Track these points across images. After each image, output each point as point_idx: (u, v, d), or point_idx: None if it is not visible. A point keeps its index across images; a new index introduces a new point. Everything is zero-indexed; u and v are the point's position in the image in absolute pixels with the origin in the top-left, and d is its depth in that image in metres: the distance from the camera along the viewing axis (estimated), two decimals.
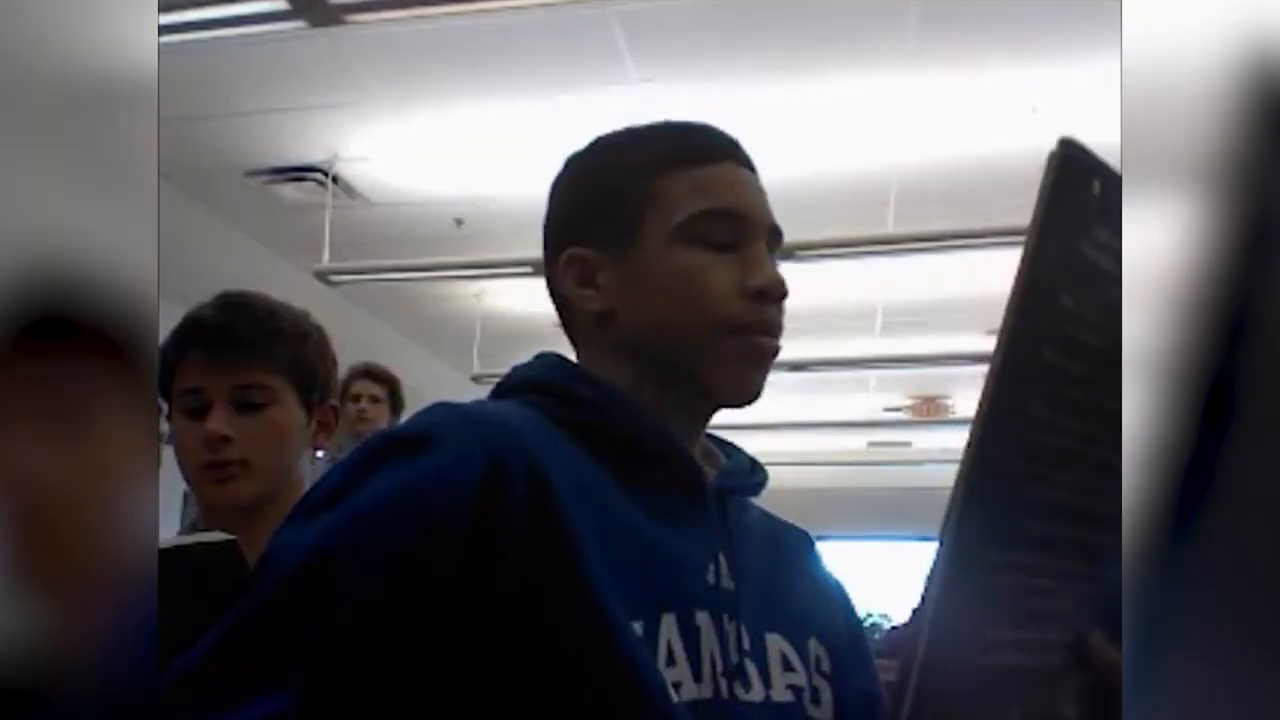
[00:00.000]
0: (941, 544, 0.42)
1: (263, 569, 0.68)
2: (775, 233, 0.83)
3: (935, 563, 0.43)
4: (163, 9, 3.29)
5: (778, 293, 0.79)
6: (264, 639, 0.65)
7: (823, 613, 0.86)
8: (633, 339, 0.80)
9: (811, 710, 0.78)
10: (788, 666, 0.79)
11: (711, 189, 0.80)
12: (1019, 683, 0.49)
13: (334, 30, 3.57)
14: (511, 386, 0.82)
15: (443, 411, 0.73)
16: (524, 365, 0.84)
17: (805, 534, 0.92)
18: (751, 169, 0.84)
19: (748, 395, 0.80)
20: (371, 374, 3.38)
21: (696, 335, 0.78)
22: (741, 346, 0.79)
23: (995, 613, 0.47)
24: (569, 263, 0.83)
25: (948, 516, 0.43)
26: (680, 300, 0.79)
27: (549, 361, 0.83)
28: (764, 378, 0.81)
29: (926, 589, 0.42)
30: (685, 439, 0.81)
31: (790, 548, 0.89)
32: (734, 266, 0.79)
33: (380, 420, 3.33)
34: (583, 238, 0.83)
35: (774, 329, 0.80)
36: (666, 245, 0.79)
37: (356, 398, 3.29)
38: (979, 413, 0.43)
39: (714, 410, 0.83)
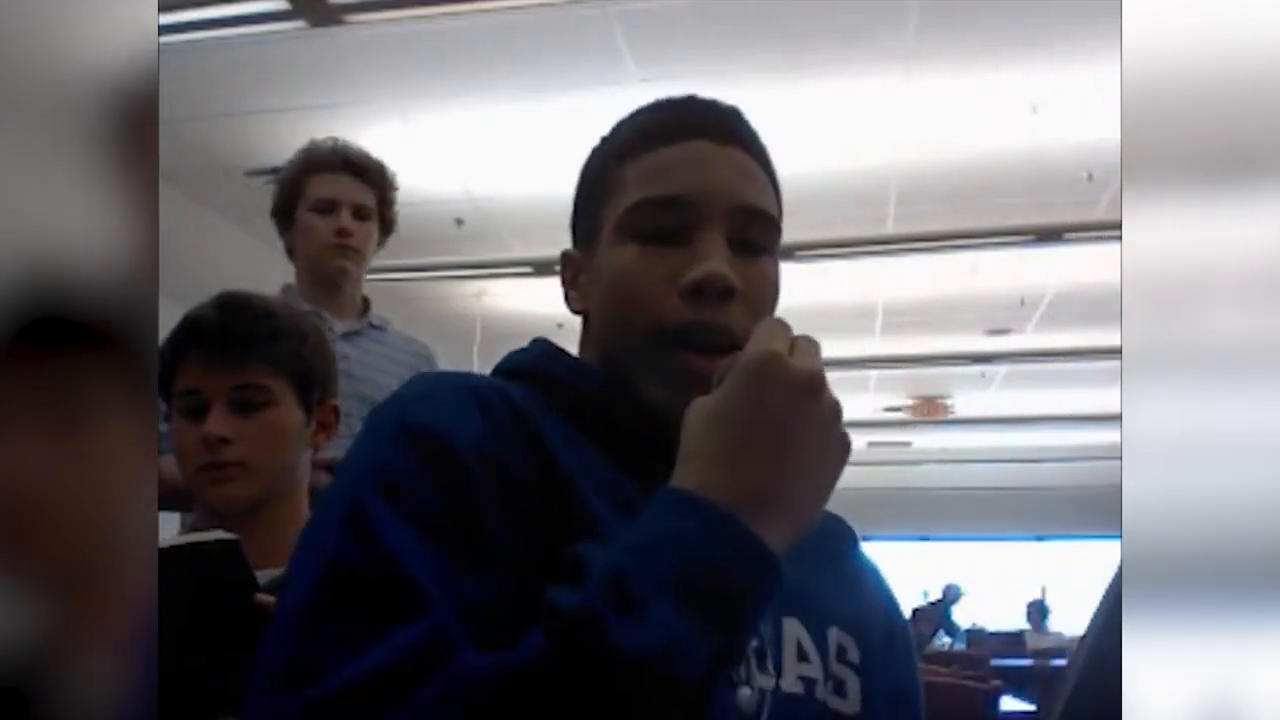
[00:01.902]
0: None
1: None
2: (747, 214, 0.71)
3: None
4: (163, 9, 3.29)
5: (717, 286, 0.67)
6: (363, 575, 0.57)
7: (852, 604, 0.79)
8: (599, 340, 0.76)
9: (836, 703, 0.74)
10: (802, 657, 0.73)
11: (660, 173, 0.72)
12: None
13: (334, 30, 3.58)
14: (500, 372, 0.79)
15: (434, 380, 0.69)
16: (516, 351, 0.81)
17: (846, 527, 0.85)
18: (737, 142, 0.75)
19: None
20: (355, 167, 1.86)
21: (634, 343, 0.70)
22: (672, 363, 0.68)
23: None
24: (562, 264, 0.80)
25: None
26: (613, 301, 0.72)
27: (536, 348, 0.80)
28: None
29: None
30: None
31: (821, 537, 0.85)
32: (676, 261, 0.69)
33: (366, 251, 1.86)
34: (574, 238, 0.80)
35: (719, 334, 0.68)
36: (609, 240, 0.73)
37: (331, 206, 1.83)
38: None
39: None
